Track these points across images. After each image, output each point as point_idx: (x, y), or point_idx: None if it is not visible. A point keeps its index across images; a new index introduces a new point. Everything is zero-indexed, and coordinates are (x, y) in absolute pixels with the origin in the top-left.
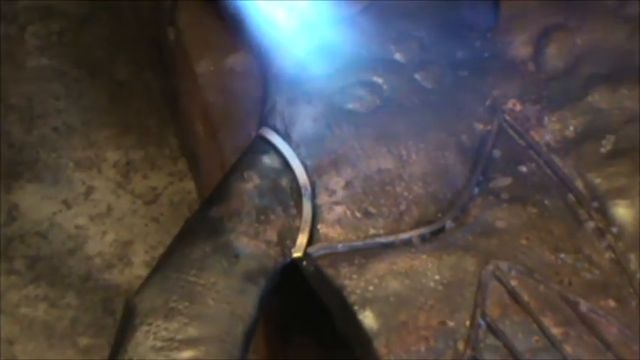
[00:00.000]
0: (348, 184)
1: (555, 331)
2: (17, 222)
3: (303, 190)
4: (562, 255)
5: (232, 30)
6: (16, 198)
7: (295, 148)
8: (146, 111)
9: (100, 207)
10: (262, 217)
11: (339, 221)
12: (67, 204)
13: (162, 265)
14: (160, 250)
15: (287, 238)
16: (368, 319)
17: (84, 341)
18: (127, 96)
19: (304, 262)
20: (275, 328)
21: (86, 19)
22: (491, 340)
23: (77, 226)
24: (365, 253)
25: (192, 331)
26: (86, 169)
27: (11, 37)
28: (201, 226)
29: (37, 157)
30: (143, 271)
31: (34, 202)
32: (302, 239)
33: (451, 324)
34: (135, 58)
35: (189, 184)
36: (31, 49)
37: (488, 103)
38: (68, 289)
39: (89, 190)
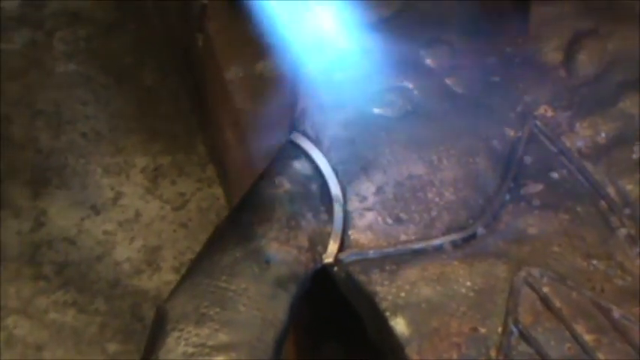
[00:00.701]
0: (379, 190)
1: (588, 338)
2: (45, 228)
3: (333, 196)
4: (594, 261)
5: (262, 36)
6: (44, 204)
7: (326, 153)
8: (174, 117)
9: (128, 213)
10: (293, 223)
11: (370, 227)
12: (96, 210)
13: (193, 271)
14: (189, 256)
15: (318, 243)
16: (399, 325)
17: (112, 347)
18: (155, 102)
19: (335, 268)
20: (305, 334)
21: (113, 25)
22: (523, 347)
23: (105, 232)
24: (396, 260)
25: (223, 337)
26: (114, 174)
27: (39, 43)
28: (232, 231)
29: (66, 163)
30: (172, 277)
31: (62, 208)
32: (333, 245)
33: (483, 331)
34: (162, 64)
35: (218, 190)
36: (58, 55)
37: (519, 108)
38: (97, 294)
39: (117, 196)
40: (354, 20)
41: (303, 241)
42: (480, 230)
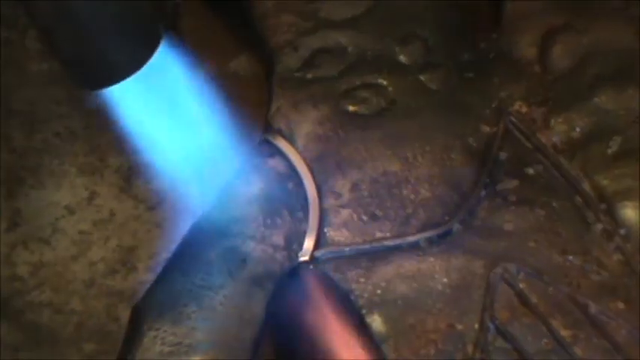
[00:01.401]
0: (354, 187)
1: (565, 333)
2: (20, 228)
3: (309, 194)
4: (570, 257)
5: (236, 33)
6: (18, 204)
7: (301, 151)
8: None
9: (103, 212)
10: (269, 221)
11: (345, 224)
12: (70, 209)
13: (169, 270)
14: (164, 256)
15: (294, 241)
16: (376, 322)
17: (89, 347)
18: None
19: (311, 266)
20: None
21: None
22: (500, 343)
23: (80, 232)
24: (372, 257)
25: (200, 336)
26: (89, 174)
27: (12, 41)
28: (207, 230)
29: (40, 163)
30: (147, 277)
31: (37, 208)
32: (309, 243)
33: (460, 327)
34: None
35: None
36: (32, 53)
37: (494, 104)
38: (72, 295)
39: (92, 196)
40: (328, 17)
41: (279, 240)
42: (456, 226)
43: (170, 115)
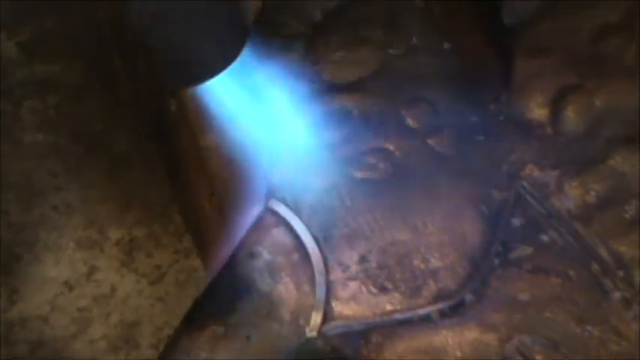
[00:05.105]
0: (362, 258)
1: None
2: (17, 306)
3: (315, 266)
4: (588, 327)
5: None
6: (16, 281)
7: (306, 221)
8: (148, 185)
9: (103, 287)
10: (274, 296)
11: (354, 297)
12: (69, 285)
13: (171, 350)
14: (167, 331)
15: (300, 316)
16: None
17: None
18: (127, 170)
19: (319, 342)
20: None
21: (82, 92)
22: None
23: (80, 309)
24: (382, 331)
25: None
26: (88, 248)
27: (7, 112)
28: (210, 306)
29: (37, 238)
30: (150, 354)
31: (35, 285)
32: (316, 317)
33: None
34: (134, 131)
35: (196, 262)
36: (27, 124)
37: (505, 168)
38: None
39: (92, 271)
40: (333, 81)
41: (285, 314)
42: (469, 297)
43: (256, 108)
